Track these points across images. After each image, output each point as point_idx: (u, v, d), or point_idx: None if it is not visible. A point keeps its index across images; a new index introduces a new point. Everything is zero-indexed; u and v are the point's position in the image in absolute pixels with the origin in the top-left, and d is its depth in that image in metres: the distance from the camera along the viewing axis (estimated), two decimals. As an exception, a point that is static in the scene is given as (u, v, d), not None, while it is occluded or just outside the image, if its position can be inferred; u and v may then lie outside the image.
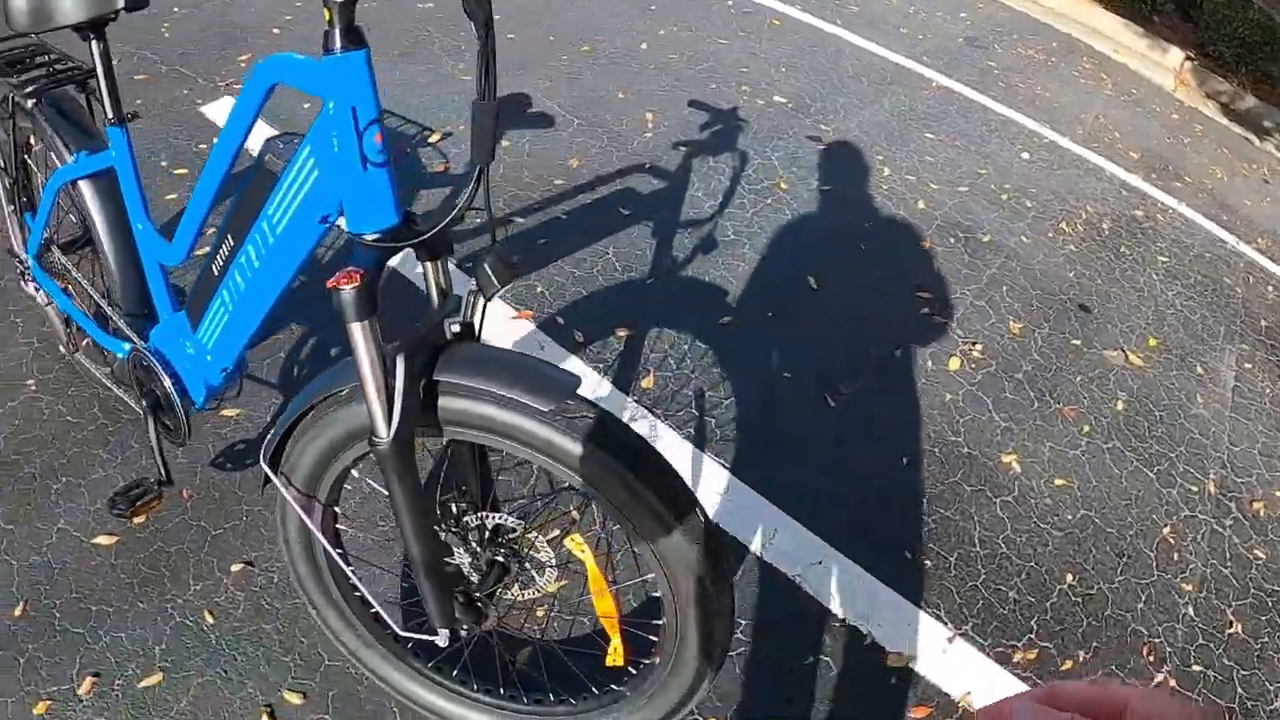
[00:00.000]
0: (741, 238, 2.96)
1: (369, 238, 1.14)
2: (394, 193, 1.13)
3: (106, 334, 1.94)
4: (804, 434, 2.30)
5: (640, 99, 3.52)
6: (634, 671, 1.48)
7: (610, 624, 1.37)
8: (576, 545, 1.36)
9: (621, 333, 2.49)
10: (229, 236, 1.38)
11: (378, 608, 1.50)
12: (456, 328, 1.21)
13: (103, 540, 1.99)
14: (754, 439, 2.23)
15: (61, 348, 2.29)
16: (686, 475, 2.08)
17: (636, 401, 2.29)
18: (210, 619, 1.85)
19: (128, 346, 1.81)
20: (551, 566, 1.42)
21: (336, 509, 1.51)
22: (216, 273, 1.43)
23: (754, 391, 2.36)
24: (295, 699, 1.74)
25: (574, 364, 2.38)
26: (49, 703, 1.72)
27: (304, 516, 1.43)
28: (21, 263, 2.15)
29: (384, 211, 1.13)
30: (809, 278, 2.86)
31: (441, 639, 1.39)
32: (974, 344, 2.77)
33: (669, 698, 1.41)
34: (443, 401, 1.19)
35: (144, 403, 1.76)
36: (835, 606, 1.94)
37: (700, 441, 2.21)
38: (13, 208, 2.15)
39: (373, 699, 1.73)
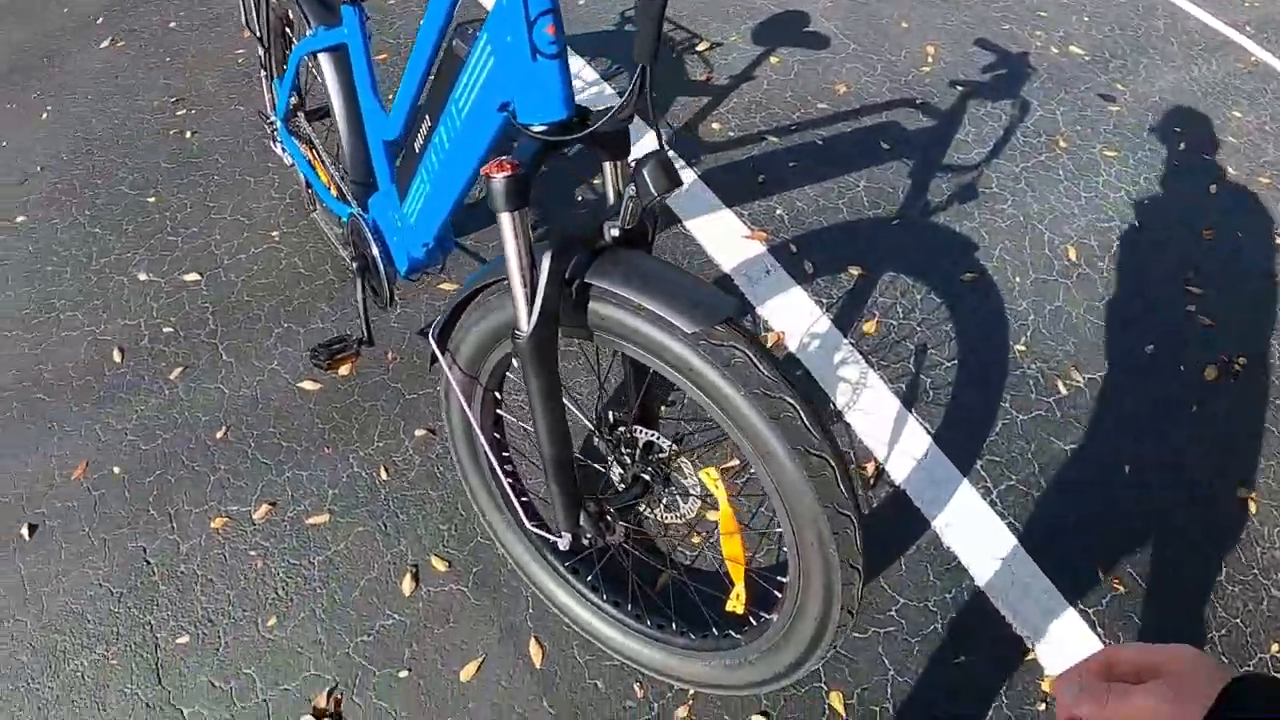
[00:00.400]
0: (1005, 191, 2.76)
1: (536, 129, 1.13)
2: (564, 86, 1.11)
3: (333, 198, 2.14)
4: (1025, 418, 2.17)
5: (924, 31, 3.30)
6: (753, 623, 1.47)
7: (736, 568, 1.34)
8: (711, 480, 1.29)
9: (854, 271, 2.44)
10: (426, 116, 1.42)
11: (513, 498, 1.53)
12: (617, 232, 1.16)
13: (307, 385, 2.30)
14: (967, 410, 2.15)
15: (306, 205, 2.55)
16: (884, 430, 2.06)
17: (853, 345, 2.26)
18: (384, 475, 2.10)
19: (349, 212, 1.97)
20: (694, 496, 1.40)
21: (497, 395, 1.56)
22: (417, 150, 1.49)
23: (980, 359, 2.24)
24: (440, 566, 1.94)
25: (798, 294, 2.37)
26: (226, 520, 2.07)
27: (462, 398, 1.48)
28: (270, 124, 2.40)
29: (552, 104, 1.11)
30: (1068, 248, 2.63)
31: (563, 542, 1.38)
32: (1238, 356, 2.45)
33: (781, 659, 1.37)
34: (592, 305, 1.16)
35: (354, 265, 1.91)
36: (1006, 613, 1.86)
37: (909, 400, 2.15)
38: (266, 73, 2.39)
39: (510, 584, 1.88)
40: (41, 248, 2.95)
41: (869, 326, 2.29)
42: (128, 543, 2.11)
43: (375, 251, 1.82)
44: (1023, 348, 2.26)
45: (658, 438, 1.37)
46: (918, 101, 2.95)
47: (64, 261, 2.86)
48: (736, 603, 1.36)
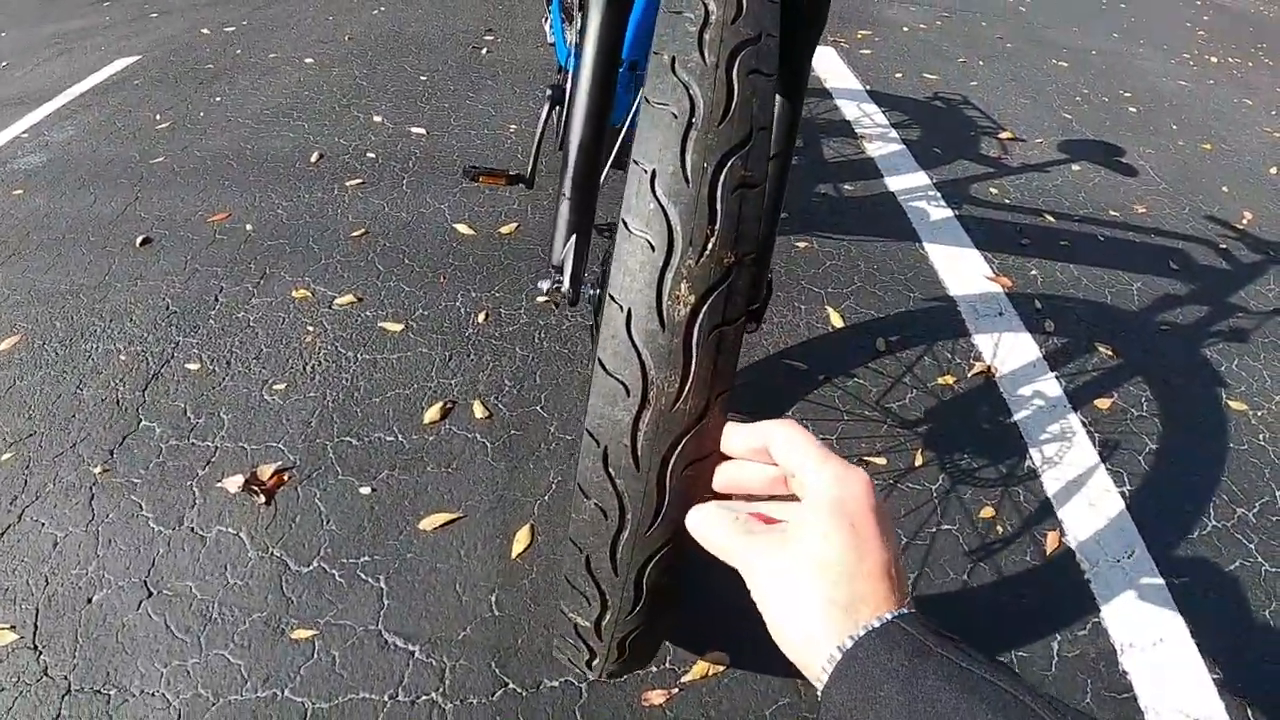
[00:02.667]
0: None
1: None
2: None
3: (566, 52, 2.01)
4: (1272, 570, 1.44)
5: (1245, 197, 2.74)
6: None
7: None
8: None
9: (1103, 349, 1.88)
10: None
11: None
12: None
13: (462, 229, 2.21)
14: (1187, 529, 1.47)
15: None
16: (1079, 506, 1.46)
17: (1080, 416, 1.69)
18: (481, 319, 1.89)
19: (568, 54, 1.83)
20: None
21: None
22: None
23: (1238, 491, 1.56)
24: (480, 412, 1.67)
25: (1026, 341, 1.86)
26: (308, 294, 1.95)
27: None
28: None
29: None
30: None
31: (544, 284, 1.12)
32: None
33: None
34: None
35: (549, 92, 1.67)
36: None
37: (1125, 490, 1.53)
38: None
39: (543, 465, 1.43)
40: (309, 81, 3.16)
41: (1102, 403, 1.71)
42: (212, 280, 1.99)
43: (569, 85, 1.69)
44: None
45: None
46: (1221, 246, 2.39)
47: (320, 95, 3.02)
48: None
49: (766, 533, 0.46)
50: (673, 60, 0.57)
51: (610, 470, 0.56)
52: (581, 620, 0.67)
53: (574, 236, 1.05)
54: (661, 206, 0.53)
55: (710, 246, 0.53)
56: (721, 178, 0.53)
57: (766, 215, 1.00)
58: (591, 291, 1.15)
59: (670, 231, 0.53)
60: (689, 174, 0.53)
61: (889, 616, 0.40)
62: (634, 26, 1.27)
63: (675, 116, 0.55)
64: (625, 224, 0.54)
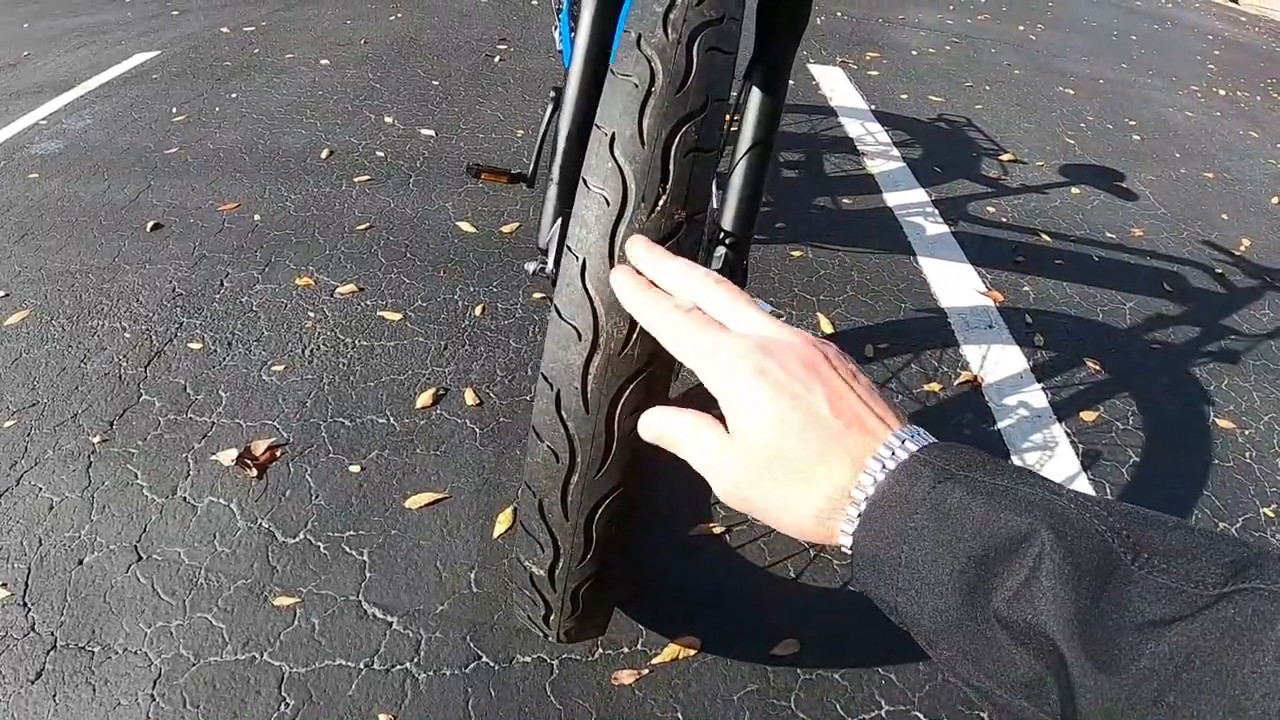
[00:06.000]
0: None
1: None
2: None
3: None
4: None
5: (1245, 224, 2.76)
6: None
7: None
8: None
9: (1090, 364, 1.91)
10: None
11: None
12: None
13: (465, 226, 2.25)
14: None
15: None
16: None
17: (1064, 426, 1.71)
18: (478, 313, 1.91)
19: None
20: None
21: None
22: None
23: (1222, 506, 1.58)
24: (470, 399, 1.69)
25: (1014, 354, 1.89)
26: (311, 281, 1.99)
27: None
28: (557, 3, 2.39)
29: None
30: None
31: (531, 265, 1.17)
32: None
33: None
34: None
35: (552, 94, 1.69)
36: None
37: (1103, 494, 1.54)
38: None
39: None
40: (324, 81, 3.23)
41: (1088, 416, 1.73)
42: (218, 265, 2.04)
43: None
44: (1271, 513, 1.57)
45: None
46: (1217, 271, 2.41)
47: (334, 95, 3.09)
48: None
49: (711, 419, 0.43)
50: (639, 37, 0.61)
51: (562, 413, 0.59)
52: (536, 569, 0.70)
53: (559, 220, 1.09)
54: (619, 165, 0.57)
55: (661, 203, 0.56)
56: (676, 141, 0.57)
57: (745, 202, 1.04)
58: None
59: (625, 189, 0.57)
60: (645, 137, 0.57)
61: (903, 455, 0.38)
62: (623, 25, 1.31)
63: (636, 86, 0.59)
64: (585, 182, 0.58)
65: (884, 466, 0.38)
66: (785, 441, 0.39)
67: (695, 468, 0.44)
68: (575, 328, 0.58)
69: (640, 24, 0.62)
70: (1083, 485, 1.58)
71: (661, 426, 0.45)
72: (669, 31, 0.60)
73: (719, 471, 0.42)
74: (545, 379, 0.60)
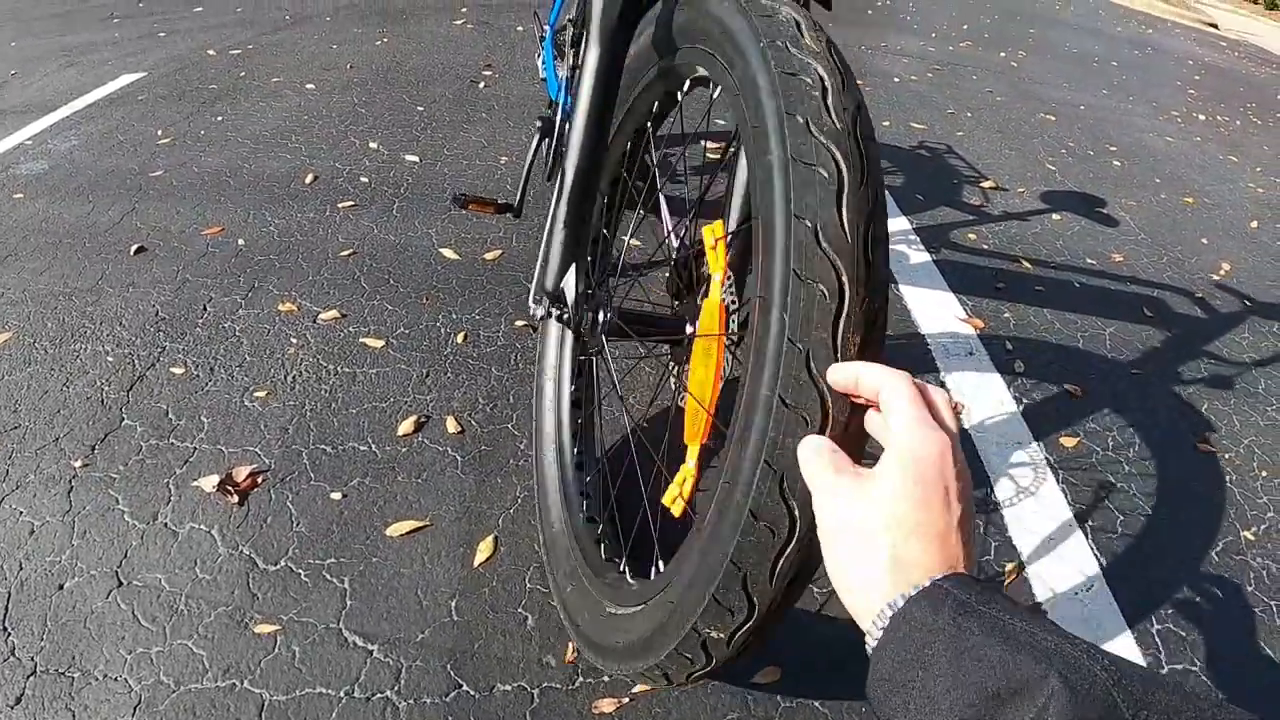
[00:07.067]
0: (1274, 397, 2.12)
1: None
2: None
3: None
4: (1237, 611, 1.47)
5: (1224, 250, 2.82)
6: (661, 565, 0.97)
7: (692, 443, 0.89)
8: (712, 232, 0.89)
9: (1070, 388, 1.93)
10: None
11: None
12: None
13: (447, 253, 2.26)
14: (1157, 566, 1.50)
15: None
16: (1043, 541, 1.49)
17: (1043, 452, 1.73)
18: (460, 340, 1.95)
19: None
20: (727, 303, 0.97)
21: None
22: None
23: (1195, 528, 1.60)
24: (452, 427, 1.71)
25: (995, 381, 1.91)
26: (294, 307, 2.00)
27: None
28: (541, 31, 2.42)
29: None
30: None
31: (538, 309, 1.18)
32: None
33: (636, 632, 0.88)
34: None
35: (539, 124, 1.70)
36: None
37: (1088, 525, 1.56)
38: None
39: (511, 480, 1.54)
40: (309, 106, 3.25)
41: (1068, 441, 1.75)
42: (201, 290, 2.04)
43: (558, 118, 1.74)
44: (1251, 536, 1.59)
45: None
46: (1197, 295, 2.45)
47: (319, 120, 3.11)
48: (675, 498, 0.86)
49: (850, 475, 0.49)
50: (807, 121, 0.67)
51: (785, 495, 0.65)
52: (716, 634, 0.73)
53: (573, 265, 1.10)
54: (828, 257, 0.63)
55: (866, 295, 0.64)
56: (869, 232, 0.65)
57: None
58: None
59: (840, 281, 0.63)
60: (847, 229, 0.64)
61: (939, 578, 0.42)
62: None
63: (827, 176, 0.65)
64: (795, 273, 0.64)
65: (920, 587, 0.42)
66: (897, 511, 0.45)
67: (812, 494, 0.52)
68: (804, 416, 0.62)
69: (801, 107, 0.67)
70: (1062, 510, 1.59)
71: (804, 465, 0.53)
72: (835, 119, 0.67)
73: (822, 511, 0.49)
74: (768, 464, 0.64)
